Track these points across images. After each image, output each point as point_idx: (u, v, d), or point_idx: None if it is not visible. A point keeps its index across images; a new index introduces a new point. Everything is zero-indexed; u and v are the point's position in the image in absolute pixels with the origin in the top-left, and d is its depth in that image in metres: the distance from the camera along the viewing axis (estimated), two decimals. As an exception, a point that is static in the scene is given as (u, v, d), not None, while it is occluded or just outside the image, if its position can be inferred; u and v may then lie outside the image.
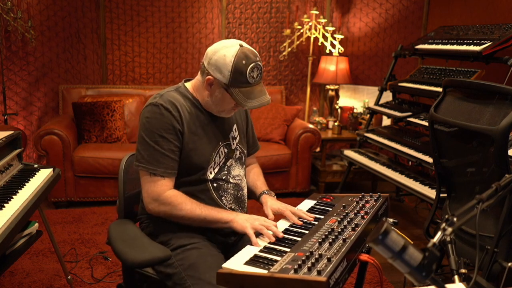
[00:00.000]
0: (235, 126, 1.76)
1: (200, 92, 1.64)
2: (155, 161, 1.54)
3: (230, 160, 1.70)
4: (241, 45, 1.54)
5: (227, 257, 1.63)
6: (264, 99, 1.56)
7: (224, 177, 1.66)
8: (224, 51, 1.52)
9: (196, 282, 1.47)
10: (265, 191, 1.78)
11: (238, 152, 1.74)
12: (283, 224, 1.56)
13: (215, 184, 1.64)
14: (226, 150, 1.68)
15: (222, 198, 1.65)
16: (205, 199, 1.61)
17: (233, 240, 1.71)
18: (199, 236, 1.61)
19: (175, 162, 1.57)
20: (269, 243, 1.41)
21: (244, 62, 1.50)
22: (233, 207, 1.68)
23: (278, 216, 1.63)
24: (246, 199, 1.75)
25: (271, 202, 1.70)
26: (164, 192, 1.54)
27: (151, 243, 1.57)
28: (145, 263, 1.51)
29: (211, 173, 1.63)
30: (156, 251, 1.51)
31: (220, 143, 1.67)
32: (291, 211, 1.62)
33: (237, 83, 1.52)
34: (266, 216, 1.60)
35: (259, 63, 1.54)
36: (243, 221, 1.50)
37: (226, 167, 1.68)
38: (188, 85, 1.69)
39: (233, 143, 1.72)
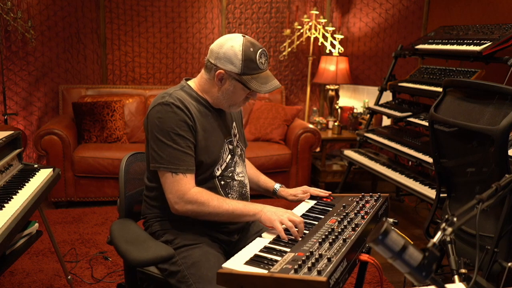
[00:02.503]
0: (234, 124, 1.77)
1: (207, 90, 1.64)
2: (176, 160, 1.52)
3: (235, 156, 1.71)
4: (244, 36, 1.57)
5: (231, 255, 1.66)
6: (276, 83, 1.58)
7: (230, 174, 1.67)
8: (230, 43, 1.54)
9: (198, 281, 1.48)
10: (278, 184, 1.89)
11: (239, 149, 1.75)
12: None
13: (222, 182, 1.64)
14: (230, 147, 1.70)
15: (229, 195, 1.66)
16: None
17: (236, 239, 1.72)
18: (203, 236, 1.62)
19: (193, 158, 1.57)
20: (271, 242, 1.41)
21: (251, 49, 1.53)
22: None
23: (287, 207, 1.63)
24: (249, 196, 1.77)
25: (292, 190, 1.85)
26: (189, 191, 1.52)
27: (154, 242, 1.57)
28: (149, 262, 1.51)
29: (218, 169, 1.64)
30: (160, 250, 1.51)
31: (225, 140, 1.68)
32: (314, 189, 1.82)
33: (249, 71, 1.54)
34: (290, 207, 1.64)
35: (265, 49, 1.58)
36: (271, 213, 1.50)
37: (232, 163, 1.69)
38: (191, 83, 1.68)
39: (235, 140, 1.74)
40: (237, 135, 1.77)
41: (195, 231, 1.62)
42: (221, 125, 1.68)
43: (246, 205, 1.56)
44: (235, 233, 1.71)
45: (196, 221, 1.59)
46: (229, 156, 1.68)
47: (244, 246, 1.67)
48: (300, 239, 1.43)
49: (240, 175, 1.71)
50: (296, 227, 1.45)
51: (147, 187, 1.70)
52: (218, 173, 1.63)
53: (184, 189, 1.52)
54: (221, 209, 1.53)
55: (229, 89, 1.58)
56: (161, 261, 1.53)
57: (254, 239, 1.68)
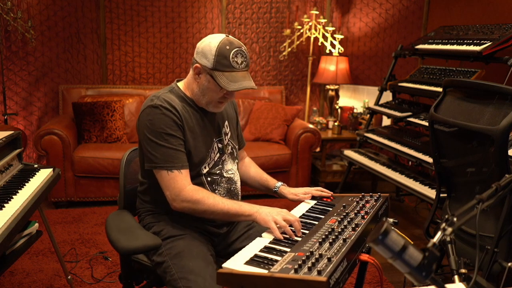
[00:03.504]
0: (226, 122, 1.81)
1: (190, 87, 1.69)
2: (170, 158, 1.57)
3: (224, 155, 1.74)
4: (227, 35, 1.61)
5: (219, 247, 1.73)
6: (248, 84, 1.59)
7: (218, 172, 1.71)
8: (210, 39, 1.60)
9: (180, 270, 1.52)
10: (280, 183, 1.90)
11: (230, 148, 1.79)
12: None
13: (209, 178, 1.69)
14: (220, 145, 1.73)
15: (216, 191, 1.70)
16: None
17: (225, 230, 1.76)
18: (190, 228, 1.67)
19: (185, 155, 1.61)
20: (271, 242, 1.41)
21: (227, 47, 1.56)
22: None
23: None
24: (239, 192, 1.80)
25: (294, 189, 1.85)
26: (185, 188, 1.57)
27: (143, 232, 1.63)
28: (136, 250, 1.58)
29: (205, 168, 1.68)
30: (147, 239, 1.58)
31: (214, 139, 1.72)
32: (315, 190, 1.82)
33: (221, 67, 1.56)
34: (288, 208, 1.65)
35: (244, 50, 1.59)
36: (266, 214, 1.52)
37: (220, 161, 1.73)
38: (181, 84, 1.73)
39: (225, 139, 1.77)
40: (229, 134, 1.80)
41: (183, 223, 1.67)
42: (209, 125, 1.72)
43: (241, 205, 1.58)
44: (224, 225, 1.75)
45: (186, 214, 1.62)
46: (218, 155, 1.72)
47: (233, 239, 1.75)
48: (295, 237, 1.44)
49: (230, 172, 1.75)
50: (291, 226, 1.47)
51: (140, 183, 1.77)
52: (204, 171, 1.68)
53: (180, 186, 1.56)
54: (216, 208, 1.56)
55: (204, 84, 1.62)
56: (148, 250, 1.58)
57: (244, 232, 1.76)
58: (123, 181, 1.86)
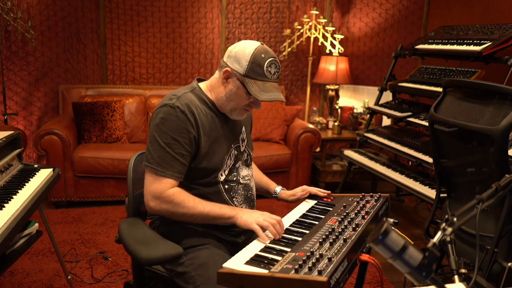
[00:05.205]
0: (243, 129, 1.76)
1: (215, 90, 1.63)
2: (164, 163, 1.53)
3: (238, 162, 1.70)
4: (262, 43, 1.58)
5: None
6: (278, 95, 1.56)
7: (234, 179, 1.67)
8: (245, 45, 1.56)
9: (206, 281, 1.48)
10: (279, 187, 1.89)
11: (245, 155, 1.75)
12: (284, 223, 1.56)
13: (226, 186, 1.64)
14: (236, 152, 1.69)
15: (233, 199, 1.65)
16: (216, 201, 1.60)
17: (243, 240, 1.71)
18: (209, 237, 1.62)
19: (184, 166, 1.56)
20: (270, 242, 1.41)
21: (263, 55, 1.53)
22: (243, 207, 1.68)
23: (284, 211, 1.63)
24: (255, 198, 1.77)
25: (292, 191, 1.85)
26: (166, 190, 1.53)
27: (162, 241, 1.57)
28: (157, 261, 1.52)
29: (222, 175, 1.63)
30: (168, 248, 1.51)
31: (232, 146, 1.68)
32: (311, 188, 1.82)
33: (253, 75, 1.53)
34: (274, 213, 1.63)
35: (278, 61, 1.56)
36: (247, 216, 1.49)
37: (235, 169, 1.68)
38: (203, 85, 1.68)
39: (242, 145, 1.73)
40: (246, 140, 1.76)
41: (201, 232, 1.62)
42: (228, 130, 1.67)
43: (221, 208, 1.55)
44: (242, 234, 1.70)
45: (204, 224, 1.58)
46: (233, 162, 1.67)
47: None
48: (278, 237, 1.42)
49: (246, 178, 1.71)
50: (274, 228, 1.44)
51: None
52: (222, 178, 1.63)
53: (162, 188, 1.52)
54: (195, 210, 1.52)
55: (232, 89, 1.57)
56: (170, 260, 1.53)
57: None
58: (132, 187, 1.78)
